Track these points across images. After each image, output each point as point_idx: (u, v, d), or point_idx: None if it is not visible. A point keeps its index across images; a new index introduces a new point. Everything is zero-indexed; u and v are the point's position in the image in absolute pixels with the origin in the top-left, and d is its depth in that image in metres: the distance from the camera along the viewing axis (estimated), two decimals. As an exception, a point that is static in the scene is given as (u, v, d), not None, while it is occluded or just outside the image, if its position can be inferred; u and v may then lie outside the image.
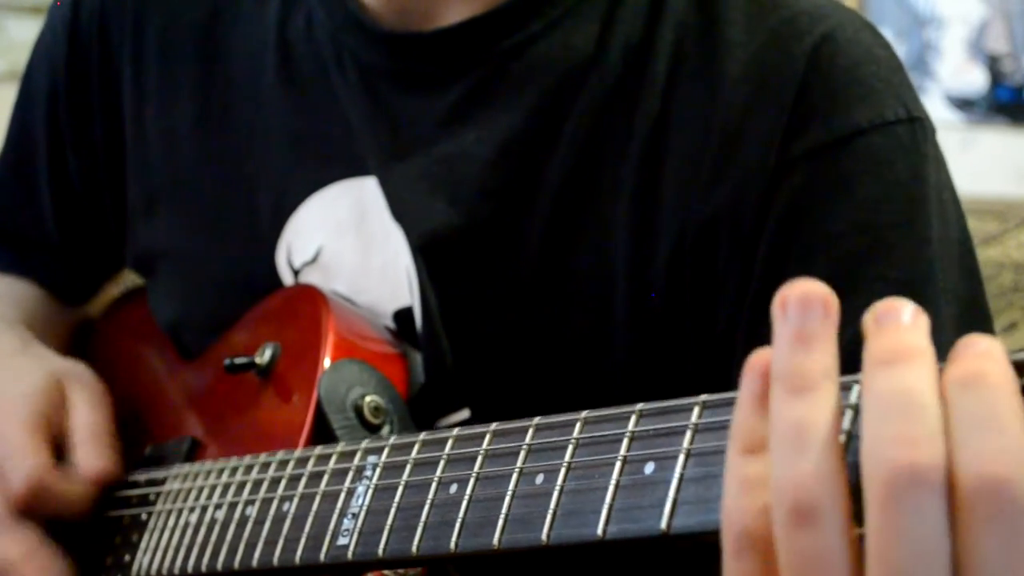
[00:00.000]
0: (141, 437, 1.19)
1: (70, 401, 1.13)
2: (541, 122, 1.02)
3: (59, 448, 1.12)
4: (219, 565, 0.96)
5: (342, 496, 0.84)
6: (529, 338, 1.02)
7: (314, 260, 1.11)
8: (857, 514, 0.56)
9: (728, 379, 0.84)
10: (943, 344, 0.57)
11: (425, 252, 1.04)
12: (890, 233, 0.94)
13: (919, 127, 0.97)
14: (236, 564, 0.94)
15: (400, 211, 1.06)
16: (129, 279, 1.41)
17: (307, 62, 1.13)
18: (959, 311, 0.95)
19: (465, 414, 1.03)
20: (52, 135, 1.27)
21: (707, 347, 0.97)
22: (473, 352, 1.03)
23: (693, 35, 1.00)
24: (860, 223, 0.94)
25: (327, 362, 1.01)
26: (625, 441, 0.68)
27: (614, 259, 0.99)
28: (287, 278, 1.12)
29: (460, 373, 1.03)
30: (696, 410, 0.66)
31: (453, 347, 1.03)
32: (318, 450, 0.92)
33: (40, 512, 1.09)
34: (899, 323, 0.58)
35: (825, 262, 0.93)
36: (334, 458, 0.88)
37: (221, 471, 1.02)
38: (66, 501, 1.09)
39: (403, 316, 1.07)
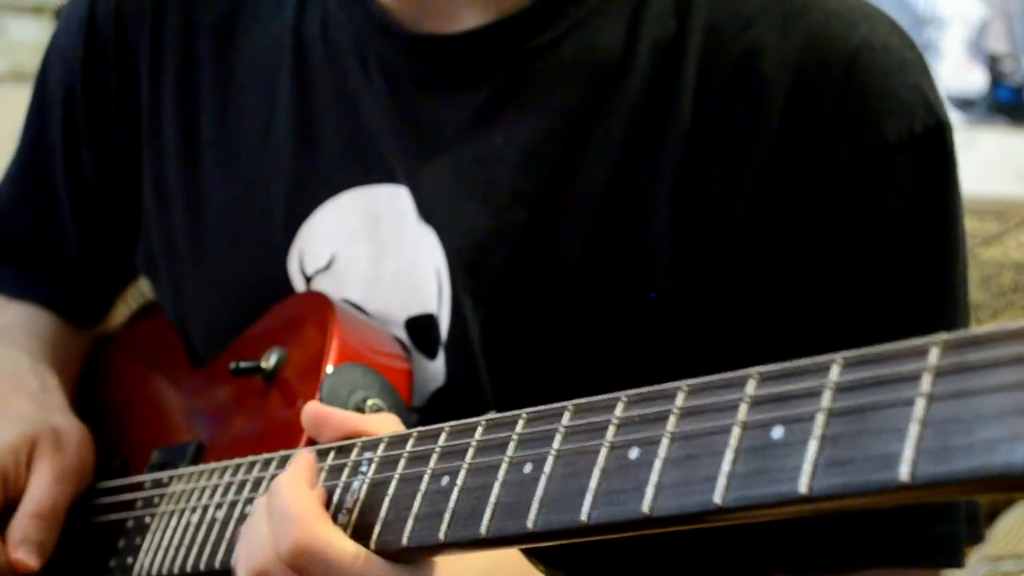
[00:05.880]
0: (149, 444, 1.19)
1: (35, 466, 1.14)
2: (571, 124, 1.01)
3: (10, 507, 1.14)
4: (217, 564, 0.96)
5: (338, 491, 0.85)
6: (564, 341, 1.01)
7: (327, 267, 1.10)
8: None
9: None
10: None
11: (458, 253, 1.03)
12: (918, 250, 0.97)
13: (947, 131, 0.98)
14: (233, 562, 0.95)
15: (430, 213, 1.05)
16: (133, 298, 1.42)
17: (323, 66, 1.12)
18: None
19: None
20: (69, 135, 1.26)
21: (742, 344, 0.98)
22: (505, 355, 1.02)
23: (723, 37, 0.99)
24: (888, 241, 0.96)
25: (330, 367, 1.01)
26: (611, 428, 0.69)
27: (654, 263, 0.99)
28: (299, 285, 1.12)
29: (491, 376, 1.02)
30: (680, 395, 0.66)
31: (485, 350, 1.02)
32: (316, 448, 0.92)
33: None
34: None
35: (853, 273, 0.96)
36: (331, 455, 0.89)
37: (223, 471, 1.03)
38: None
39: (416, 324, 1.06)
